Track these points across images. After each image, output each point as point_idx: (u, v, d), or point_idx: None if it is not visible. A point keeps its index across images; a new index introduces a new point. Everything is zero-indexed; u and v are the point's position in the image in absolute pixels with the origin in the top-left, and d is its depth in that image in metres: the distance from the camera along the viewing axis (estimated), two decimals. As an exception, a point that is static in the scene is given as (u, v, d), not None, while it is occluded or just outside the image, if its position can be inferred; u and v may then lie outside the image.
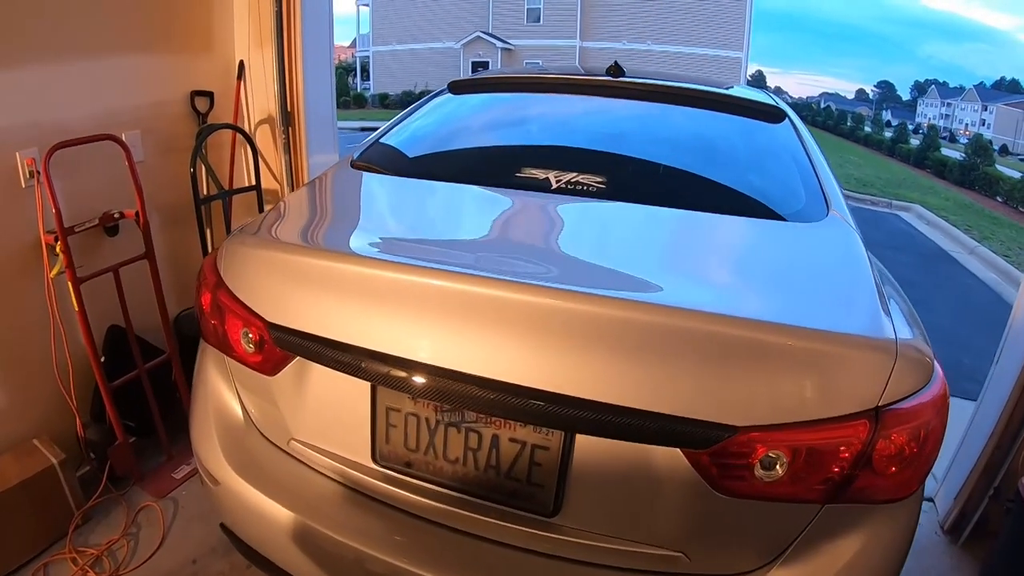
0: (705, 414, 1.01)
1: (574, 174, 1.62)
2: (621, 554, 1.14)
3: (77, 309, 2.05)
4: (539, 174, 1.64)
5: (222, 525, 1.50)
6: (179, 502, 2.22)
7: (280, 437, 1.37)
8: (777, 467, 1.03)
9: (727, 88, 2.17)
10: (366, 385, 1.21)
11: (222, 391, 1.47)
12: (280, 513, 1.29)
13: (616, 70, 2.14)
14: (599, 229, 1.52)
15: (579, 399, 1.04)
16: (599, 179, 1.62)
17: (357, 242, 1.43)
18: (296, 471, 1.35)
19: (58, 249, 1.97)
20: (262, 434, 1.41)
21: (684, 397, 1.02)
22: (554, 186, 1.59)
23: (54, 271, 2.01)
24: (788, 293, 1.22)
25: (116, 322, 2.30)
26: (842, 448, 1.01)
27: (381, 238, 1.48)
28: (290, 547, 1.29)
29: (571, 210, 1.54)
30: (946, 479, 2.42)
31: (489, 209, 1.60)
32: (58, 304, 2.06)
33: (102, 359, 2.19)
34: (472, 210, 1.62)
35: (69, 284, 2.02)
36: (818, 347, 1.02)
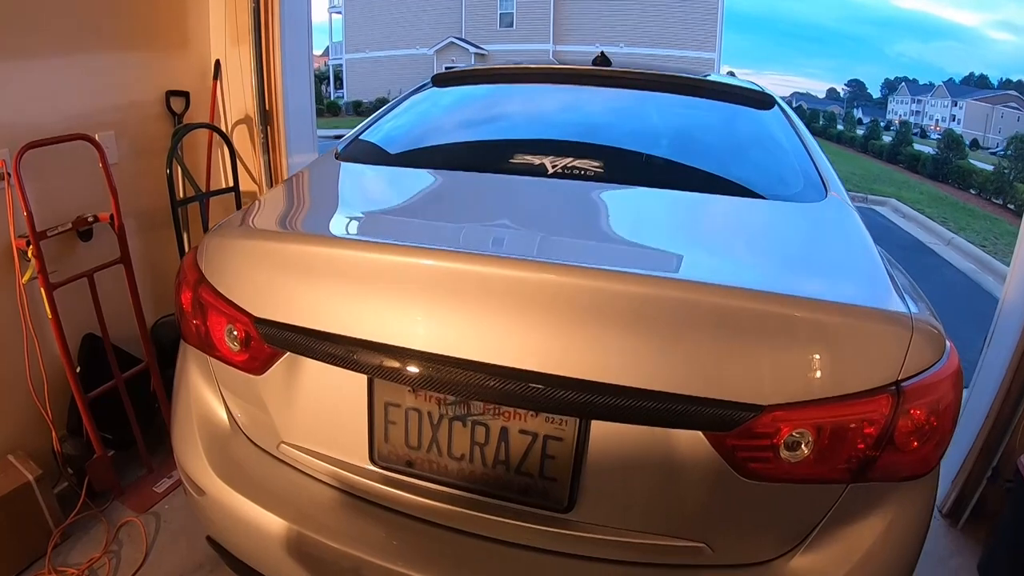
0: (728, 394, 0.97)
1: (570, 159, 1.57)
2: (641, 548, 1.09)
3: (50, 317, 1.97)
4: (534, 160, 1.58)
5: (209, 538, 1.42)
6: (162, 517, 2.14)
7: (269, 441, 1.30)
8: (802, 447, 0.99)
9: (706, 76, 2.16)
10: (362, 379, 1.14)
11: (205, 395, 1.39)
12: (271, 522, 1.22)
13: (602, 60, 2.11)
14: (603, 210, 1.47)
15: (594, 383, 0.99)
16: (596, 163, 1.57)
17: (347, 227, 1.37)
18: (287, 477, 1.28)
19: (30, 254, 1.90)
20: (249, 439, 1.34)
21: (705, 377, 0.98)
22: (550, 171, 1.54)
23: (26, 277, 1.93)
24: (801, 269, 1.19)
25: (92, 330, 2.23)
26: (866, 424, 0.98)
27: (373, 223, 1.41)
28: (283, 558, 1.22)
29: (571, 193, 1.48)
30: (943, 463, 2.42)
31: (486, 193, 1.53)
32: (30, 312, 1.98)
33: (78, 369, 2.11)
34: (468, 194, 1.54)
35: (42, 291, 1.94)
36: (838, 321, 1.00)
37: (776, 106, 1.97)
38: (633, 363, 0.99)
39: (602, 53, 2.13)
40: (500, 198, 1.49)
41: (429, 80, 2.21)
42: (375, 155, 1.80)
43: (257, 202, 1.52)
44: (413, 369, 1.06)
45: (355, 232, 1.33)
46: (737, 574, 1.10)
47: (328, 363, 1.13)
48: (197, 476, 1.33)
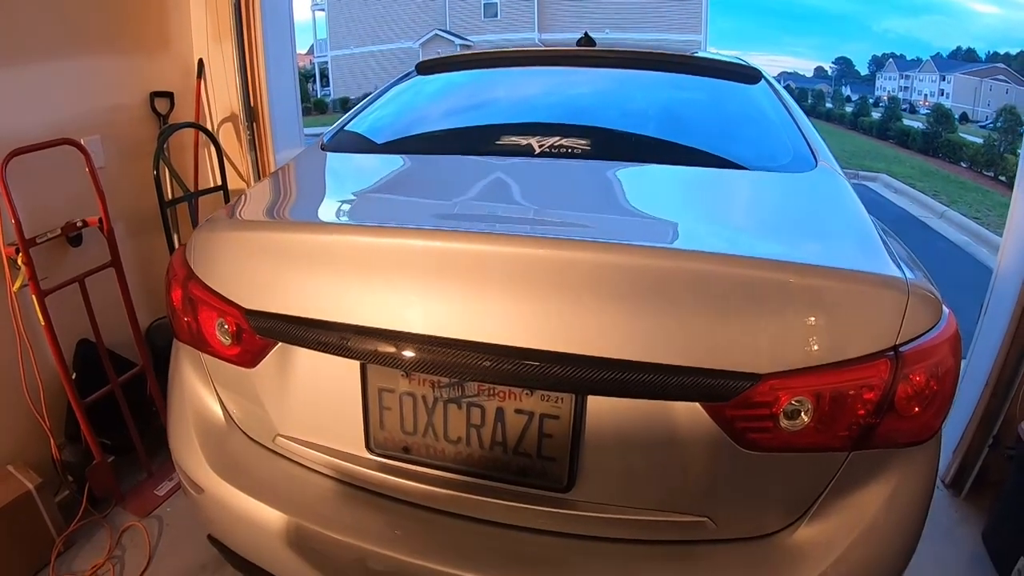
0: (725, 363, 0.96)
1: (557, 138, 1.55)
2: (643, 525, 1.09)
3: (43, 324, 1.95)
4: (521, 140, 1.57)
5: (210, 536, 1.41)
6: (164, 520, 2.13)
7: (265, 435, 1.29)
8: (802, 415, 0.99)
9: (694, 53, 2.15)
10: (355, 366, 1.13)
11: (199, 392, 1.38)
12: (271, 516, 1.21)
13: (587, 41, 2.09)
14: (592, 185, 1.45)
15: (588, 357, 0.98)
16: (584, 142, 1.55)
17: (335, 213, 1.36)
18: (285, 470, 1.28)
19: (20, 261, 1.88)
20: (245, 434, 1.33)
21: (701, 347, 0.97)
22: (537, 151, 1.52)
23: (16, 285, 1.91)
24: (794, 237, 1.18)
25: (85, 336, 2.21)
26: (866, 390, 0.98)
27: (360, 207, 1.40)
28: (284, 552, 1.21)
29: (559, 171, 1.46)
30: (944, 433, 2.43)
31: (473, 174, 1.51)
32: (23, 320, 1.96)
33: (73, 376, 2.09)
34: (456, 176, 1.53)
35: (33, 298, 1.92)
36: (834, 285, 0.99)
37: (763, 80, 1.96)
38: (627, 336, 0.98)
39: (586, 34, 2.11)
40: (488, 179, 1.48)
41: (413, 69, 2.19)
42: (361, 144, 1.78)
43: (244, 195, 1.50)
44: (405, 352, 1.05)
45: (343, 217, 1.32)
46: (741, 548, 1.09)
47: (320, 351, 1.12)
48: (195, 474, 1.32)
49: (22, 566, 1.89)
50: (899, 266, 1.07)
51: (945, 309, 1.07)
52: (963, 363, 2.36)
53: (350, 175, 1.68)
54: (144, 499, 2.20)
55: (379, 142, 1.80)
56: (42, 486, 1.92)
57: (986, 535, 2.09)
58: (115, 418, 2.22)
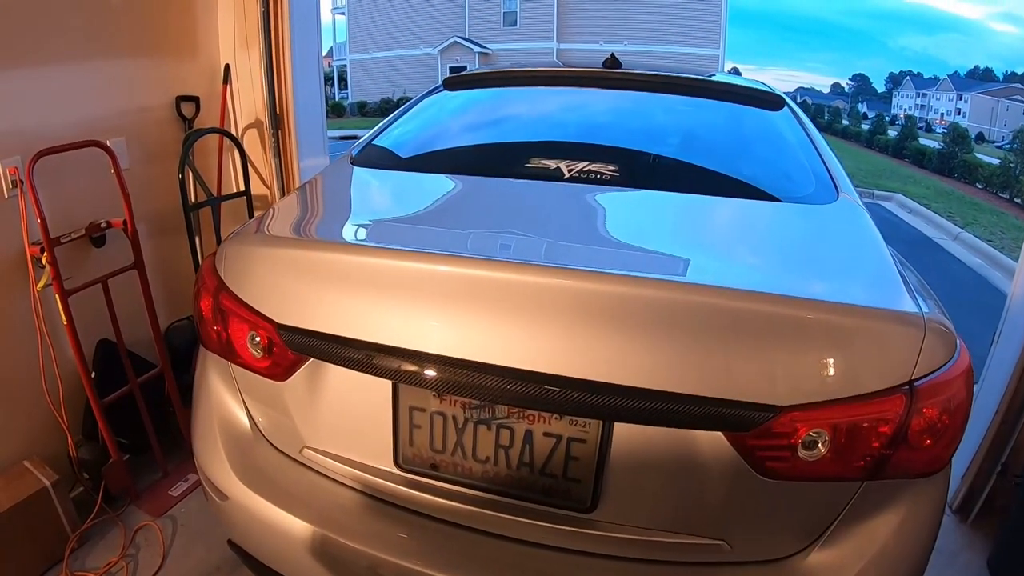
0: (747, 395, 0.99)
1: (586, 163, 1.58)
2: (662, 546, 1.11)
3: (65, 323, 1.98)
4: (550, 164, 1.59)
5: (230, 541, 1.43)
6: (178, 520, 2.15)
7: (292, 446, 1.31)
8: (819, 446, 1.01)
9: (712, 76, 2.17)
10: (387, 384, 1.15)
11: (226, 401, 1.40)
12: (295, 526, 1.23)
13: (613, 62, 2.11)
14: (620, 214, 1.48)
15: (617, 386, 1.01)
16: (612, 167, 1.58)
17: (368, 233, 1.38)
18: (310, 480, 1.30)
19: (44, 261, 1.91)
20: (272, 444, 1.36)
21: (724, 379, 0.99)
22: (567, 175, 1.55)
23: (40, 284, 1.94)
24: (816, 272, 1.21)
25: (106, 336, 2.24)
26: (880, 423, 1.00)
27: (393, 229, 1.43)
28: (307, 561, 1.23)
29: (588, 197, 1.49)
30: (953, 459, 2.42)
31: (504, 198, 1.54)
32: (45, 319, 1.99)
33: (93, 375, 2.12)
34: (485, 199, 1.55)
35: (56, 297, 1.95)
36: (854, 322, 1.01)
37: (786, 106, 1.98)
38: (654, 366, 1.01)
39: (612, 55, 2.13)
40: (517, 203, 1.50)
41: (440, 84, 2.21)
42: (390, 160, 1.81)
43: (273, 208, 1.52)
44: (438, 374, 1.08)
45: (377, 239, 1.34)
46: (756, 570, 1.12)
47: (353, 369, 1.14)
48: (220, 481, 1.35)
49: (36, 561, 1.92)
50: (916, 301, 1.09)
51: (959, 343, 1.09)
52: (974, 388, 2.37)
53: (380, 194, 1.71)
54: (159, 499, 2.23)
55: (406, 159, 1.82)
56: (58, 483, 1.94)
57: (991, 561, 2.09)
58: (132, 417, 2.25)
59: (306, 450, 1.29)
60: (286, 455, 1.33)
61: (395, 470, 1.21)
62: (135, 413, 2.25)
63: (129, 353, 2.24)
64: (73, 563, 1.95)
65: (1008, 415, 2.15)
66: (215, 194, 2.70)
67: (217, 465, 1.36)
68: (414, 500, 1.21)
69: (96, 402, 2.07)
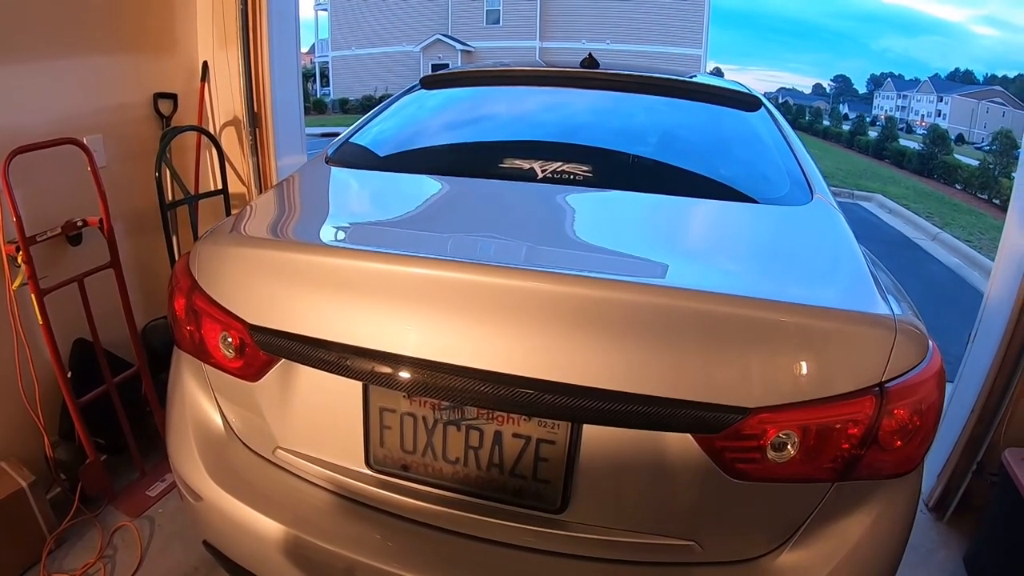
0: (716, 397, 1.00)
1: (560, 163, 1.58)
2: (632, 547, 1.12)
3: (41, 323, 1.96)
4: (524, 164, 1.59)
5: (205, 542, 1.42)
6: (156, 521, 2.14)
7: (264, 446, 1.31)
8: (788, 447, 1.02)
9: (691, 77, 2.17)
10: (357, 385, 1.15)
11: (200, 401, 1.39)
12: (268, 526, 1.23)
13: (591, 62, 2.12)
14: (592, 215, 1.49)
15: (586, 388, 1.01)
16: (585, 168, 1.58)
17: (341, 234, 1.38)
18: (283, 481, 1.29)
19: (20, 260, 1.88)
20: (245, 444, 1.35)
21: (693, 381, 1.00)
22: (540, 176, 1.55)
23: (16, 283, 1.92)
24: (787, 274, 1.22)
25: (82, 335, 2.21)
26: (850, 425, 1.01)
27: (366, 230, 1.42)
28: (280, 562, 1.23)
29: (560, 198, 1.50)
30: (929, 458, 2.46)
31: (476, 199, 1.54)
32: (21, 318, 1.96)
33: (69, 375, 2.09)
34: (458, 200, 1.55)
35: (32, 296, 1.93)
36: (824, 325, 1.02)
37: (762, 107, 1.99)
38: (623, 368, 1.01)
39: (590, 55, 2.13)
40: (491, 204, 1.50)
41: (418, 83, 2.21)
42: (365, 160, 1.80)
43: (248, 207, 1.52)
44: (408, 376, 1.08)
45: (350, 240, 1.34)
46: (726, 571, 1.12)
47: (323, 370, 1.14)
48: (194, 482, 1.34)
49: (12, 563, 1.89)
50: (888, 303, 1.10)
51: (931, 344, 1.10)
52: (950, 388, 2.40)
53: (355, 195, 1.70)
54: (136, 499, 2.21)
55: (382, 158, 1.82)
56: (35, 483, 1.92)
57: (968, 559, 2.12)
58: (109, 417, 2.22)
59: (279, 451, 1.28)
60: (259, 456, 1.33)
61: (366, 471, 1.21)
62: (112, 413, 2.22)
63: (106, 352, 2.22)
64: (51, 564, 1.93)
65: (984, 414, 2.18)
66: (192, 192, 2.69)
67: (191, 466, 1.35)
68: (386, 501, 1.21)
69: (72, 402, 2.05)
